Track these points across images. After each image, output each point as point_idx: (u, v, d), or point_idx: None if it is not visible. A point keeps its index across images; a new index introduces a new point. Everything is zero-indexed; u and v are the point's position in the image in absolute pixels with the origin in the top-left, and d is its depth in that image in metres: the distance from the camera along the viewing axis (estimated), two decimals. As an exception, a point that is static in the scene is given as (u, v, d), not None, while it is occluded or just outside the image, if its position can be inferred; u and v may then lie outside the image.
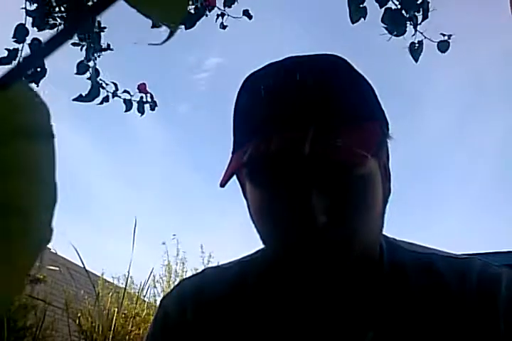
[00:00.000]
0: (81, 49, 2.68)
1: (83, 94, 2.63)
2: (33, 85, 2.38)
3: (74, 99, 2.61)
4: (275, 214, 0.65)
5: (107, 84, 2.74)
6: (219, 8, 2.80)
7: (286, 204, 0.64)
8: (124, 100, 2.80)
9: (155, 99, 2.87)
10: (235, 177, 0.76)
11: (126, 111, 2.82)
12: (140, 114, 2.85)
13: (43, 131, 0.18)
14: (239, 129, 0.70)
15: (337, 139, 0.61)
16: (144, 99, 2.83)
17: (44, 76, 2.45)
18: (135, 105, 2.83)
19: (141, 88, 2.83)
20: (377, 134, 0.67)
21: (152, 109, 2.86)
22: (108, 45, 2.71)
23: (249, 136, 0.65)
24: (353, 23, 2.29)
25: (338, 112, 0.64)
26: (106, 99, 2.74)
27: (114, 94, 2.76)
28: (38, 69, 2.40)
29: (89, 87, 2.66)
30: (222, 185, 0.63)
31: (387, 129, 0.71)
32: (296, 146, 0.61)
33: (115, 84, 2.77)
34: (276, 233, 0.66)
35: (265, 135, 0.63)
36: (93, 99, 2.66)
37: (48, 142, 0.18)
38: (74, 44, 2.65)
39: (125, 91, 2.80)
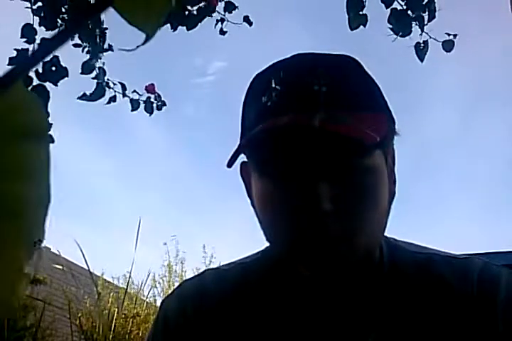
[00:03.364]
0: (82, 50, 2.67)
1: (88, 93, 2.62)
2: (48, 85, 2.37)
3: (78, 98, 2.60)
4: (280, 203, 0.65)
5: (114, 84, 2.74)
6: (219, 13, 2.78)
7: (292, 193, 0.64)
8: (131, 100, 2.80)
9: (163, 99, 2.88)
10: (239, 176, 0.76)
11: (132, 110, 2.83)
12: (148, 114, 2.86)
13: (40, 132, 0.18)
14: (248, 118, 0.70)
15: (348, 119, 0.61)
16: (152, 99, 2.84)
17: (66, 76, 2.43)
18: (134, 106, 2.83)
19: (149, 89, 2.84)
20: (385, 124, 0.68)
21: (159, 108, 2.87)
22: (109, 45, 2.71)
23: (257, 121, 0.65)
24: (351, 30, 2.29)
25: (348, 100, 0.65)
26: (113, 99, 2.75)
27: (124, 94, 2.76)
28: (53, 69, 2.38)
29: (94, 87, 2.66)
30: (229, 165, 0.63)
31: (394, 128, 0.71)
32: (306, 121, 0.61)
33: (122, 85, 2.77)
34: (281, 223, 0.66)
35: (274, 116, 0.63)
36: (98, 99, 2.65)
37: (43, 143, 0.18)
38: (75, 45, 2.64)
39: (134, 91, 2.82)
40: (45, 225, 0.18)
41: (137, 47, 0.19)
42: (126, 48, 0.20)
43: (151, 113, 2.86)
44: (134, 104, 2.82)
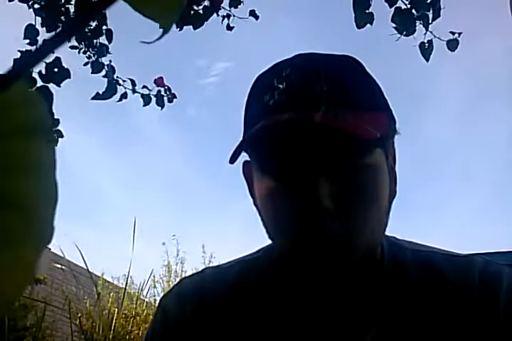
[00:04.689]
0: (79, 52, 2.67)
1: (100, 92, 2.63)
2: (52, 86, 2.38)
3: (92, 98, 2.61)
4: (281, 201, 0.66)
5: (124, 81, 2.75)
6: (224, 9, 2.78)
7: (292, 191, 0.64)
8: (142, 95, 2.80)
9: (173, 92, 2.87)
10: (241, 175, 0.76)
11: (144, 105, 2.83)
12: (160, 108, 2.85)
13: (43, 129, 0.18)
14: (250, 116, 0.71)
15: (348, 116, 0.62)
16: (162, 93, 2.84)
17: (68, 77, 2.44)
18: (145, 101, 2.82)
19: (159, 82, 2.83)
20: (386, 123, 0.68)
21: (170, 101, 2.86)
22: (107, 47, 2.71)
23: (259, 118, 0.66)
24: (358, 28, 2.29)
25: (349, 100, 0.65)
26: (125, 96, 2.75)
27: (134, 91, 2.76)
28: (56, 70, 2.39)
29: (105, 85, 2.65)
30: (232, 161, 0.64)
31: (395, 128, 0.72)
32: (307, 118, 0.62)
33: (132, 81, 2.78)
34: (282, 222, 0.66)
35: (275, 114, 0.64)
36: (111, 97, 2.67)
37: (48, 140, 0.18)
38: (72, 47, 2.64)
39: (144, 87, 2.81)
40: (53, 223, 0.18)
41: (156, 40, 0.19)
42: (145, 41, 0.20)
43: (162, 106, 2.85)
44: (146, 99, 2.81)
